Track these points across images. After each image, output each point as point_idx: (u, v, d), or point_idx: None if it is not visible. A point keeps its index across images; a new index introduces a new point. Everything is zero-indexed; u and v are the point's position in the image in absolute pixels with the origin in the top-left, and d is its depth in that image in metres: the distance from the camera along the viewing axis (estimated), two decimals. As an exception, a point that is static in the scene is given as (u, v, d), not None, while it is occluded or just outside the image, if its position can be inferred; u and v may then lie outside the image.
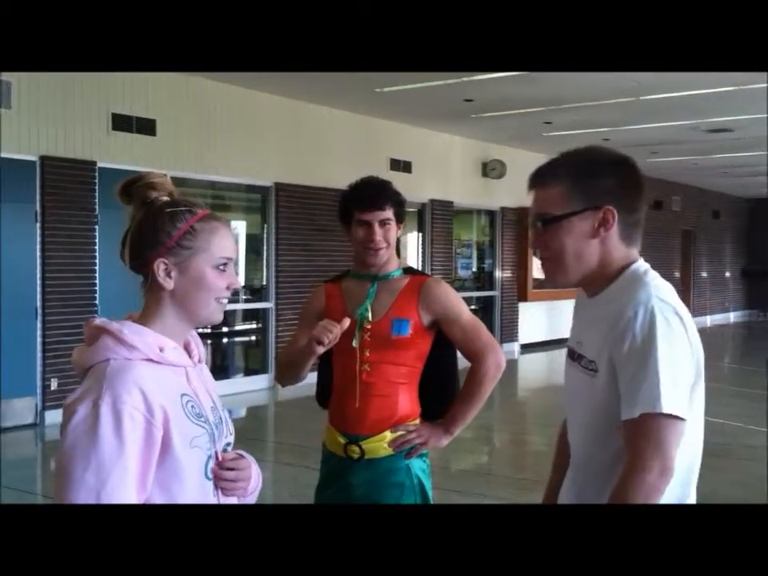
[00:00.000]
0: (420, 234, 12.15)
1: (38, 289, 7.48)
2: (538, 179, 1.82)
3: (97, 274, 7.71)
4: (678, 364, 1.65)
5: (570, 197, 1.75)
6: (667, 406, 1.61)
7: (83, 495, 1.41)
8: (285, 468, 6.17)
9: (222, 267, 1.62)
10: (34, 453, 7.23)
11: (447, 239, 12.42)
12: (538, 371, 12.71)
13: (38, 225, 7.46)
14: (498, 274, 13.64)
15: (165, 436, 1.49)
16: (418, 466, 2.67)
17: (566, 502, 1.89)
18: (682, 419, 1.63)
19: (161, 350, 1.56)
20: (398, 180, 11.11)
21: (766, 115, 9.53)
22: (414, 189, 11.42)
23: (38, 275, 7.48)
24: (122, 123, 8.08)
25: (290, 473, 5.94)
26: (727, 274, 22.05)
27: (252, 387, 9.48)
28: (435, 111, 10.48)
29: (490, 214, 13.69)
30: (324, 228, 9.54)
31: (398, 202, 2.70)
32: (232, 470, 1.63)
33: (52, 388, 7.40)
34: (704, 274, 20.78)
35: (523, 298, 13.76)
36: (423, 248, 12.12)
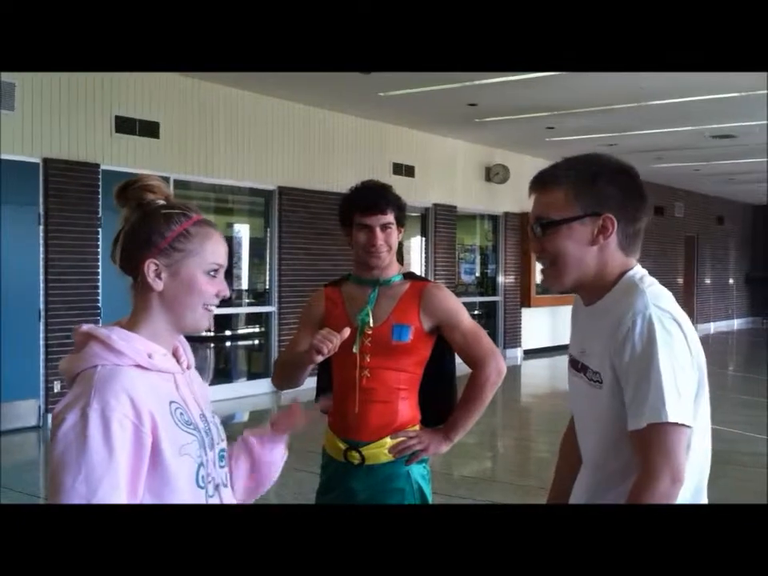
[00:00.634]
0: (423, 239, 12.15)
1: (41, 291, 7.48)
2: (540, 183, 1.82)
3: (100, 277, 7.71)
4: (680, 371, 1.65)
5: (571, 202, 1.75)
6: (672, 415, 1.61)
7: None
8: (288, 472, 6.15)
9: (212, 273, 1.60)
10: (37, 455, 7.21)
11: (450, 244, 12.42)
12: (541, 377, 12.69)
13: (41, 227, 7.46)
14: (501, 279, 13.62)
15: (154, 443, 1.47)
16: (418, 472, 2.66)
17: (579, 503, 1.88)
18: (688, 426, 1.63)
19: (149, 356, 1.54)
20: (401, 184, 11.06)
21: (769, 121, 9.52)
22: (417, 193, 11.43)
23: (41, 278, 7.48)
24: (125, 126, 8.09)
25: (293, 477, 5.93)
26: (731, 281, 22.02)
27: (254, 391, 9.46)
28: (438, 116, 10.49)
29: (494, 218, 13.69)
30: (327, 232, 9.53)
31: (398, 206, 2.69)
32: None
33: (55, 390, 7.40)
34: (707, 281, 20.76)
35: (526, 303, 13.75)
36: (426, 253, 12.12)
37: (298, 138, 9.92)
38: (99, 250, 7.64)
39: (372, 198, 2.65)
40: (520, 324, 13.82)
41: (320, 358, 2.37)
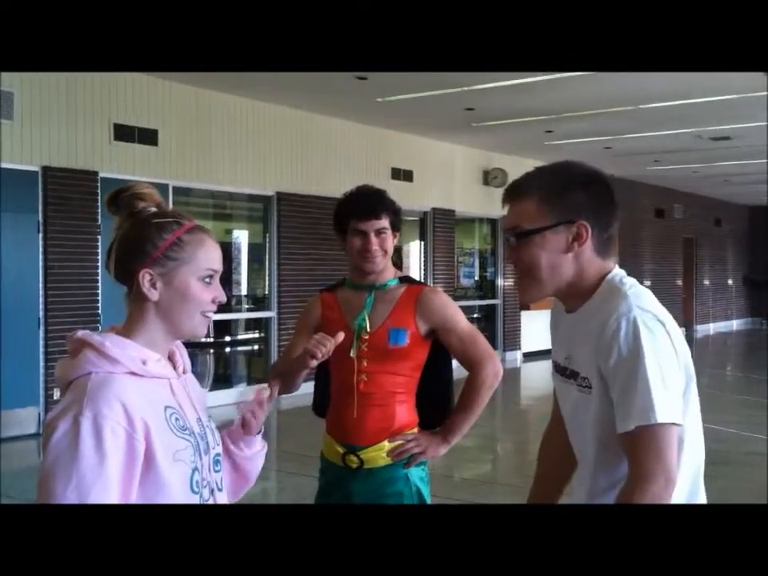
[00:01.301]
0: (422, 243, 12.16)
1: (41, 299, 7.50)
2: (512, 193, 1.82)
3: (99, 284, 7.72)
4: (667, 370, 1.66)
5: (543, 211, 1.75)
6: (661, 416, 1.61)
7: None
8: (288, 477, 6.16)
9: (207, 280, 1.60)
10: (37, 462, 7.21)
11: (449, 248, 12.43)
12: (541, 380, 12.66)
13: (41, 235, 7.48)
14: (500, 282, 13.63)
15: (147, 450, 1.46)
16: (416, 474, 2.67)
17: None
18: (678, 425, 1.64)
19: (143, 362, 1.54)
20: (400, 189, 11.03)
21: (766, 123, 9.53)
22: (416, 198, 11.44)
23: (41, 285, 7.49)
24: (123, 133, 8.11)
25: (293, 481, 5.94)
26: (729, 282, 22.03)
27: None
28: (436, 120, 10.50)
29: (492, 222, 13.71)
30: (326, 237, 9.53)
31: (393, 211, 2.70)
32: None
33: (55, 398, 7.39)
34: (706, 282, 20.77)
35: (526, 306, 13.75)
36: (425, 257, 12.13)
37: (297, 144, 9.93)
38: (99, 257, 7.64)
39: (366, 204, 2.66)
40: (519, 327, 13.83)
41: (314, 363, 2.37)
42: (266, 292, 9.96)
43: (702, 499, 1.79)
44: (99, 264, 7.65)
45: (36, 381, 7.48)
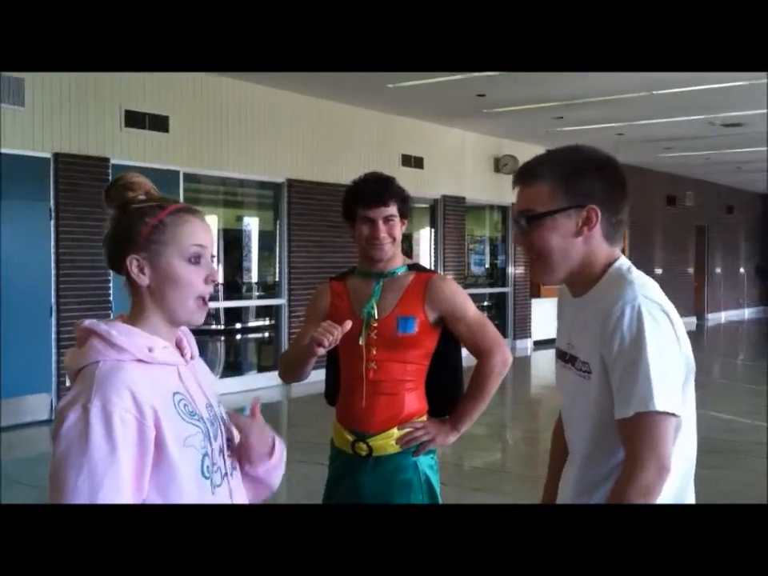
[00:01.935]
0: (432, 230, 12.14)
1: (53, 286, 7.53)
2: (524, 176, 1.83)
3: (111, 272, 7.73)
4: (669, 360, 1.67)
5: (555, 194, 1.76)
6: (660, 404, 1.62)
7: (77, 503, 1.40)
8: (298, 465, 6.18)
9: (193, 260, 1.59)
10: (49, 449, 7.26)
11: (460, 235, 12.41)
12: (551, 368, 12.56)
13: (52, 222, 7.51)
14: (510, 270, 13.61)
15: (157, 436, 1.47)
16: (425, 462, 2.67)
17: (567, 500, 1.89)
18: (676, 416, 1.65)
19: (150, 349, 1.54)
20: (410, 176, 11.00)
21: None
22: (426, 185, 11.42)
23: (53, 272, 7.53)
24: (135, 120, 8.11)
25: (303, 470, 5.95)
26: (741, 270, 21.93)
27: (265, 384, 9.48)
28: (447, 107, 10.47)
29: (503, 209, 13.67)
30: (336, 224, 9.51)
31: (401, 198, 2.69)
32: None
33: (66, 384, 7.42)
34: (718, 270, 20.68)
35: (536, 294, 13.73)
36: (435, 244, 12.11)
37: (307, 131, 9.92)
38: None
39: (374, 191, 2.65)
40: (530, 315, 13.81)
41: (321, 351, 2.36)
42: (277, 279, 9.97)
43: (691, 491, 1.80)
44: (110, 251, 7.67)
45: (48, 368, 7.52)
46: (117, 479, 1.41)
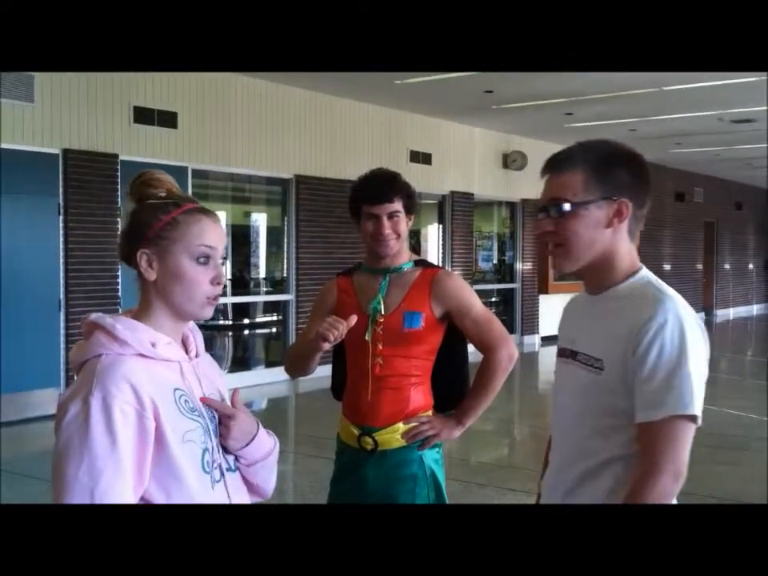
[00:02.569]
0: (440, 227, 12.14)
1: (61, 281, 7.56)
2: (555, 165, 1.84)
3: (119, 267, 7.77)
4: (702, 372, 1.71)
5: (588, 185, 1.77)
6: (694, 409, 1.66)
7: (77, 495, 1.41)
8: (306, 459, 6.20)
9: (201, 259, 1.59)
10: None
11: (468, 231, 12.40)
12: (559, 364, 12.64)
13: (61, 218, 7.53)
14: (518, 266, 13.60)
15: (157, 429, 1.48)
16: (431, 457, 2.68)
17: (554, 500, 1.89)
18: (699, 425, 1.69)
19: (153, 345, 1.55)
20: (418, 172, 11.00)
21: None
22: (434, 181, 11.42)
23: (62, 268, 7.56)
24: (143, 116, 8.13)
25: (310, 464, 5.97)
26: (750, 266, 21.87)
27: (272, 379, 9.51)
28: (455, 103, 10.46)
29: (511, 205, 13.65)
30: (344, 220, 9.51)
31: (407, 194, 2.69)
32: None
33: (75, 379, 7.46)
34: (727, 266, 20.63)
35: (544, 290, 13.71)
36: (444, 240, 12.11)
37: (315, 127, 9.93)
38: (118, 240, 7.68)
39: (378, 188, 2.65)
40: (538, 311, 13.80)
41: (327, 346, 2.37)
42: (284, 275, 9.98)
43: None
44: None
45: (57, 362, 7.55)
46: (117, 470, 1.42)
